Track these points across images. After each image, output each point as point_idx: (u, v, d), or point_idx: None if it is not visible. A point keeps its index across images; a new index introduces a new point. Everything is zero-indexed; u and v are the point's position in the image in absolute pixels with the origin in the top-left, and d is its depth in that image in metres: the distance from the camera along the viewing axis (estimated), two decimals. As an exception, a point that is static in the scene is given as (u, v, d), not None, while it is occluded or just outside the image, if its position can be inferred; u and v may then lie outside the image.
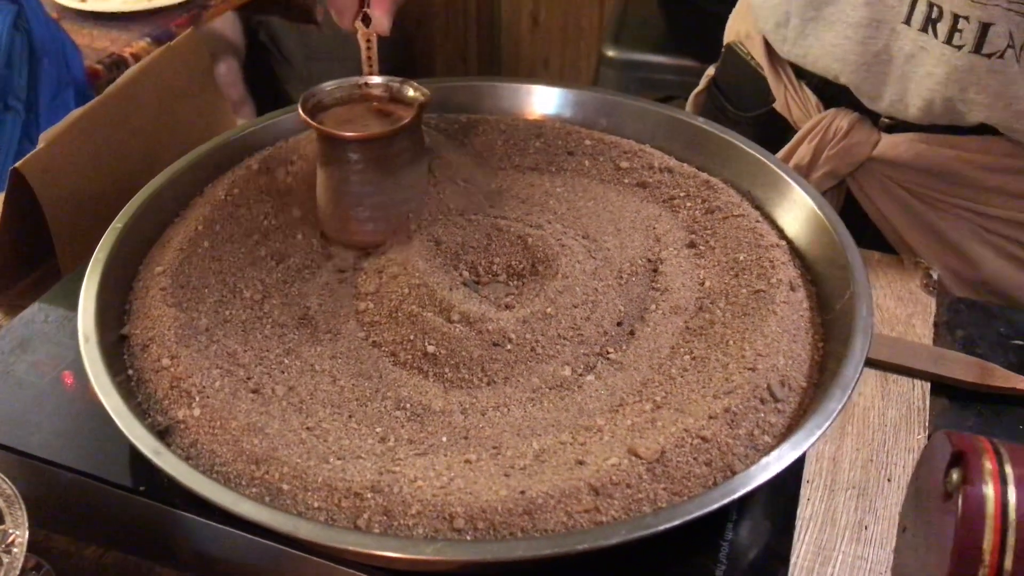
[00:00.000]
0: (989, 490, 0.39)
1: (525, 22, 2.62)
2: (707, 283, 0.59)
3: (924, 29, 0.70)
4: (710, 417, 0.47)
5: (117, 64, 1.64)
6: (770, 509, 0.50)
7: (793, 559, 0.54)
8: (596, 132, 0.71)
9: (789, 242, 0.62)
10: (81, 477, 0.49)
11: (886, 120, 0.78)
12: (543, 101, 0.74)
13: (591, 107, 0.73)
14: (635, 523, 0.42)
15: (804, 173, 0.81)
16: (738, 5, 0.93)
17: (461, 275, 0.61)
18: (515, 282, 0.61)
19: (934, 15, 0.69)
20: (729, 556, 0.46)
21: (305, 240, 0.63)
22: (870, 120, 0.79)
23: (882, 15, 0.72)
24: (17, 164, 0.66)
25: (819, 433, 0.45)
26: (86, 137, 0.72)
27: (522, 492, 0.43)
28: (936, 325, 0.72)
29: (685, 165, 0.68)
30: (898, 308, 0.74)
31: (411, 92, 0.63)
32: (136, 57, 1.58)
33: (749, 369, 0.50)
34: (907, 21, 0.71)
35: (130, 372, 0.52)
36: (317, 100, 0.62)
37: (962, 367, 0.67)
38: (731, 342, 0.54)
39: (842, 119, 0.79)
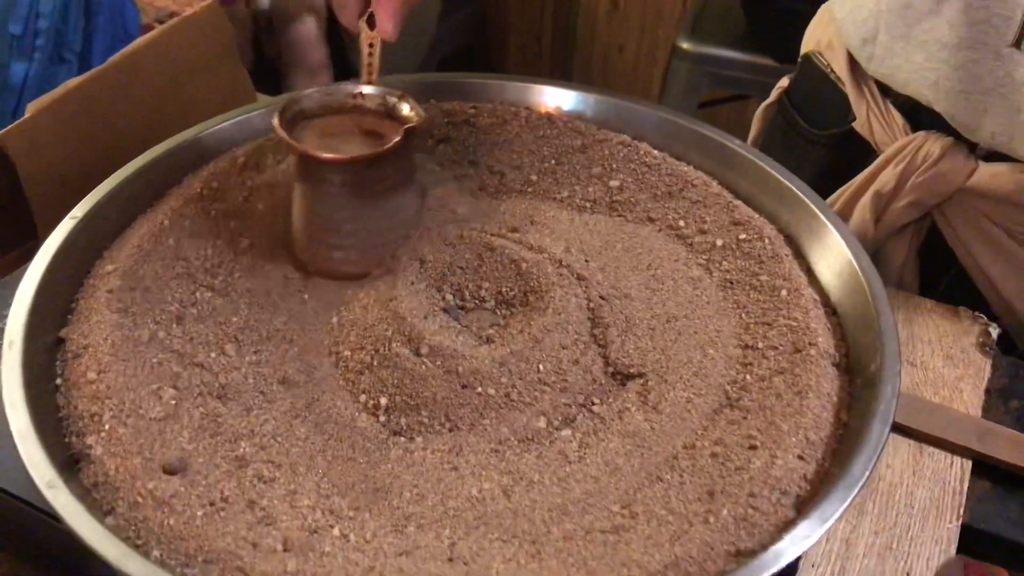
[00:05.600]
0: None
1: (604, 5, 2.52)
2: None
3: None
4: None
5: (173, 22, 1.61)
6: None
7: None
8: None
9: (826, 300, 0.55)
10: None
11: (984, 148, 0.68)
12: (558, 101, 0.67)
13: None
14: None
15: (886, 201, 0.72)
16: (820, 12, 0.83)
17: (444, 299, 0.55)
18: (503, 310, 0.55)
19: None
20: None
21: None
22: (966, 146, 0.69)
23: (985, 37, 0.63)
24: (-2, 134, 0.62)
25: (782, 563, 0.38)
26: (80, 109, 0.68)
27: None
28: (988, 392, 0.64)
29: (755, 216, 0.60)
30: (946, 369, 0.65)
31: (406, 110, 0.56)
32: (194, 17, 1.55)
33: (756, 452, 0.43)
34: (1017, 44, 0.62)
35: (58, 382, 0.47)
36: (301, 108, 0.56)
37: (1012, 447, 0.59)
38: (754, 424, 0.46)
39: (933, 144, 0.69)
